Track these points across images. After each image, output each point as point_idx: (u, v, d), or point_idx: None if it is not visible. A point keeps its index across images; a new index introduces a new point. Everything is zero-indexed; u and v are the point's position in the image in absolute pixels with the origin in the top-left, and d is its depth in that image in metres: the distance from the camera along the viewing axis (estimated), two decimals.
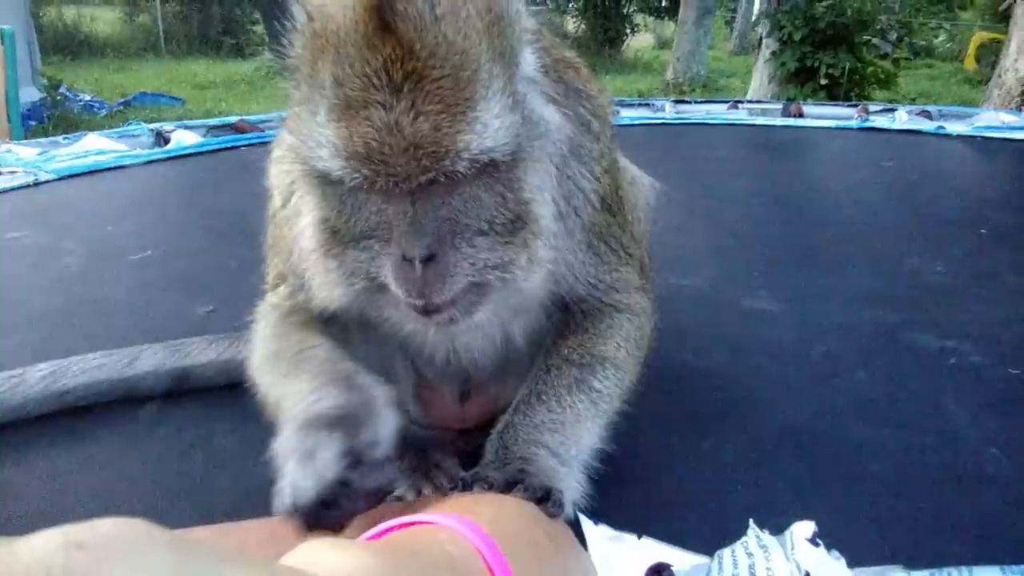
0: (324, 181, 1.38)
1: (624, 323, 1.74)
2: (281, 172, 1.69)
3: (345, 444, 1.31)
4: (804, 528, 1.56)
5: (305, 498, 1.29)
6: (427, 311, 1.39)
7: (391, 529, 1.15)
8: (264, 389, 1.62)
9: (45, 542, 0.57)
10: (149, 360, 2.28)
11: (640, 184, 2.06)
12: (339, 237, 1.41)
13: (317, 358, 1.55)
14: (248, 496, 1.82)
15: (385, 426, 1.39)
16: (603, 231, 1.69)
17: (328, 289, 1.48)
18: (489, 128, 1.31)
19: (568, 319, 1.73)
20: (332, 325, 1.68)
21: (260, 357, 1.67)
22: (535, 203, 1.43)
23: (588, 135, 1.63)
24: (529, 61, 1.44)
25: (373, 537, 1.14)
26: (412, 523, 1.16)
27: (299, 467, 1.32)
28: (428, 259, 1.32)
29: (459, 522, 1.12)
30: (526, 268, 1.42)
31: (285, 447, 1.37)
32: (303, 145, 1.36)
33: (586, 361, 1.67)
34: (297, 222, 1.56)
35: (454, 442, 1.87)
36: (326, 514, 1.29)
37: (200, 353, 2.32)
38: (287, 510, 1.30)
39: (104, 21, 25.53)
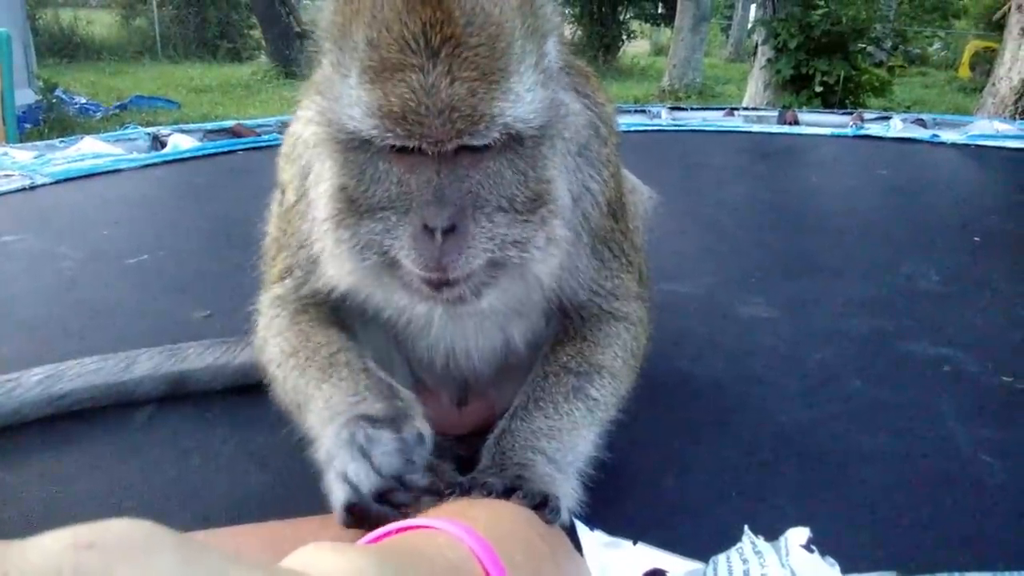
0: (348, 146, 1.38)
1: (622, 332, 1.75)
2: (293, 165, 1.68)
3: (399, 442, 1.36)
4: (798, 534, 1.56)
5: (366, 490, 1.34)
6: (440, 285, 1.39)
7: (388, 534, 1.16)
8: (290, 387, 1.63)
9: (55, 542, 0.58)
10: (145, 364, 2.27)
11: (639, 193, 2.08)
12: (355, 207, 1.40)
13: (351, 364, 1.56)
14: (245, 500, 1.83)
15: (425, 431, 1.43)
16: (607, 236, 1.71)
17: (338, 263, 1.47)
18: (522, 99, 1.34)
19: (567, 326, 1.74)
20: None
21: (279, 353, 1.67)
22: (555, 182, 1.45)
23: (597, 139, 1.66)
24: (552, 51, 1.46)
25: (371, 541, 1.15)
26: (409, 527, 1.17)
27: (356, 461, 1.36)
28: (449, 230, 1.33)
29: (456, 526, 1.13)
30: (543, 247, 1.43)
31: (335, 441, 1.41)
32: (333, 106, 1.36)
33: (583, 369, 1.68)
34: (312, 199, 1.56)
35: (451, 447, 1.88)
36: (379, 509, 1.34)
37: (196, 357, 2.31)
38: (348, 502, 1.36)
39: (100, 24, 25.52)
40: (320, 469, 1.49)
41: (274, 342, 1.69)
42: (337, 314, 1.71)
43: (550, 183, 1.44)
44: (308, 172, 1.61)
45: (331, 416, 1.48)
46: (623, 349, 1.74)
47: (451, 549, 1.08)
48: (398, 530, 1.17)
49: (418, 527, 1.17)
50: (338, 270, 1.49)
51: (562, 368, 1.68)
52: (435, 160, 1.33)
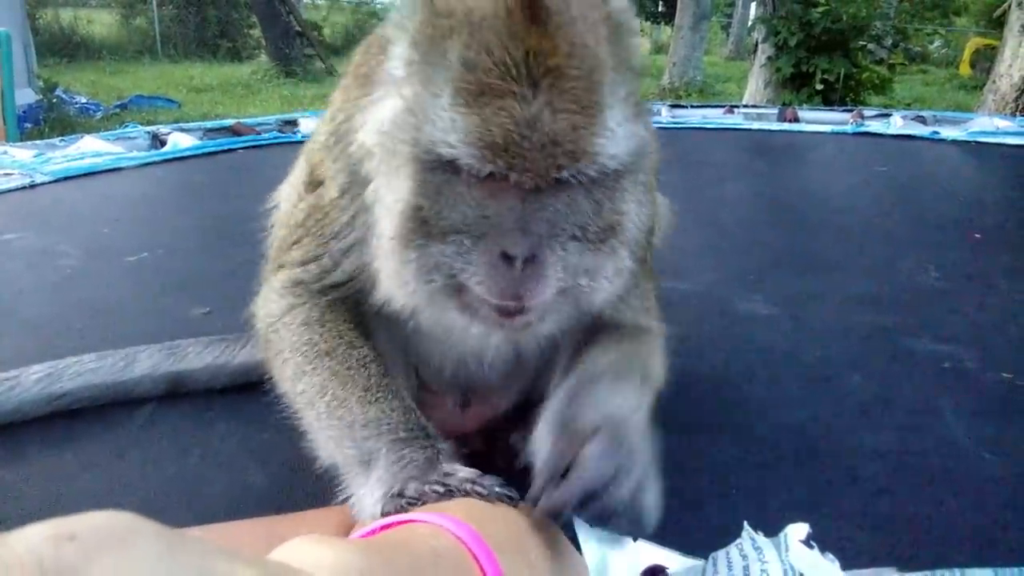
0: (428, 167, 1.32)
1: (655, 347, 1.75)
2: (339, 162, 1.61)
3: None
4: (798, 530, 1.56)
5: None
6: (512, 313, 1.36)
7: (373, 532, 1.17)
8: (317, 384, 1.59)
9: (36, 534, 0.58)
10: (145, 363, 2.27)
11: (660, 205, 2.09)
12: (427, 228, 1.34)
13: (400, 397, 1.56)
14: (245, 497, 1.83)
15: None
16: (643, 255, 1.70)
17: (399, 282, 1.41)
18: (617, 134, 1.31)
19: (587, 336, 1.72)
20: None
21: (306, 346, 1.63)
22: (629, 215, 1.43)
23: (651, 165, 1.65)
24: (637, 84, 1.44)
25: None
26: (390, 524, 1.18)
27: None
28: (528, 259, 1.29)
29: (440, 517, 1.14)
30: (611, 277, 1.41)
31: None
32: (422, 126, 1.30)
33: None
34: (372, 210, 1.49)
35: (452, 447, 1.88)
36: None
37: (196, 356, 2.31)
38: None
39: (101, 23, 25.52)
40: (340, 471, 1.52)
41: (298, 331, 1.65)
42: (354, 309, 1.68)
43: (624, 215, 1.41)
44: (366, 179, 1.51)
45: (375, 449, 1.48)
46: (662, 367, 1.72)
47: (436, 538, 1.08)
48: (381, 528, 1.17)
49: (399, 523, 1.18)
50: (398, 289, 1.44)
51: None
52: (523, 189, 1.29)
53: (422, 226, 1.34)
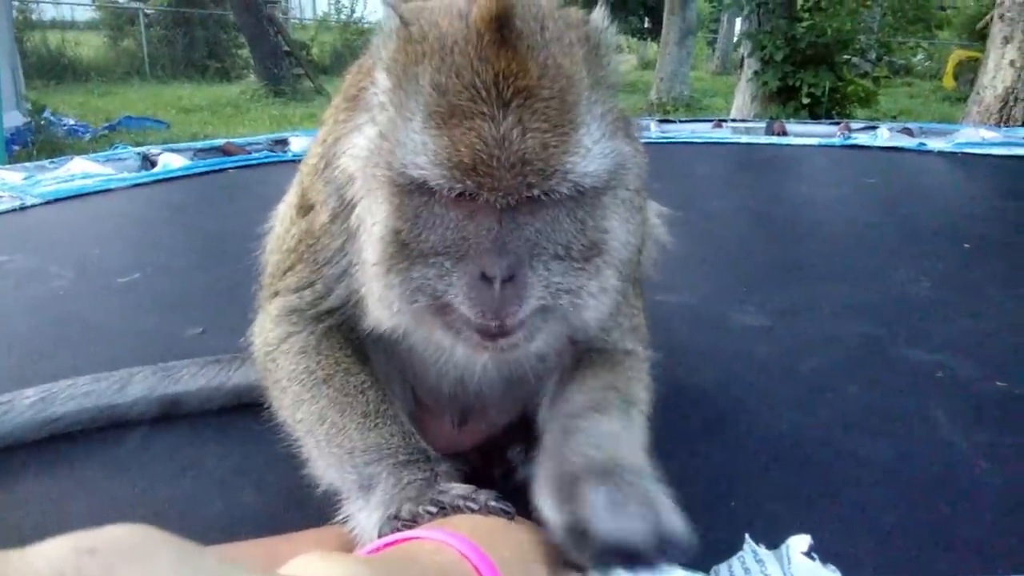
0: (405, 189, 1.34)
1: (643, 373, 1.75)
2: (328, 186, 1.61)
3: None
4: (800, 541, 1.56)
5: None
6: (494, 334, 1.36)
7: (376, 549, 1.17)
8: (316, 411, 1.61)
9: (56, 548, 0.58)
10: (139, 386, 2.25)
11: (652, 226, 2.10)
12: (407, 251, 1.36)
13: (399, 421, 1.58)
14: (241, 519, 1.82)
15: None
16: (632, 274, 1.71)
17: (385, 306, 1.42)
18: (592, 152, 1.32)
19: (580, 355, 1.72)
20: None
21: (305, 374, 1.64)
22: (613, 232, 1.43)
23: (640, 183, 1.67)
24: (616, 102, 1.45)
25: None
26: (396, 541, 1.18)
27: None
28: (507, 280, 1.30)
29: (444, 534, 1.14)
30: (597, 295, 1.41)
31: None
32: (394, 150, 1.32)
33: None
34: (357, 235, 1.51)
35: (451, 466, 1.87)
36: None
37: (190, 379, 2.29)
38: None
39: (88, 45, 25.50)
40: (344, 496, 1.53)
41: (295, 359, 1.66)
42: (350, 334, 1.68)
43: (607, 233, 1.42)
44: (352, 204, 1.53)
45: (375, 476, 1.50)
46: (646, 389, 1.73)
47: (438, 553, 1.09)
48: (384, 545, 1.18)
49: (404, 540, 1.18)
50: (384, 313, 1.45)
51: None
52: (497, 209, 1.30)
53: (402, 250, 1.36)
